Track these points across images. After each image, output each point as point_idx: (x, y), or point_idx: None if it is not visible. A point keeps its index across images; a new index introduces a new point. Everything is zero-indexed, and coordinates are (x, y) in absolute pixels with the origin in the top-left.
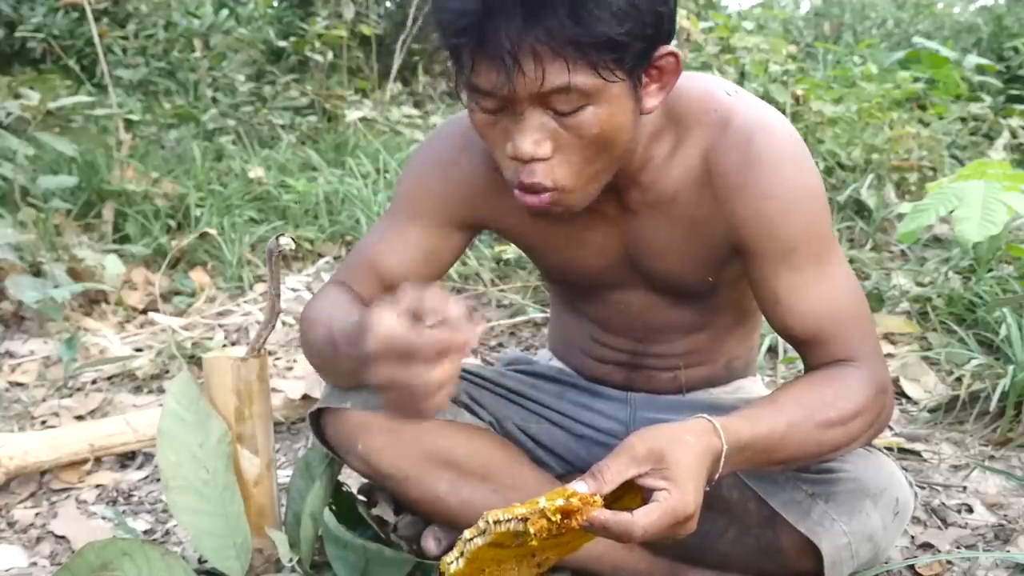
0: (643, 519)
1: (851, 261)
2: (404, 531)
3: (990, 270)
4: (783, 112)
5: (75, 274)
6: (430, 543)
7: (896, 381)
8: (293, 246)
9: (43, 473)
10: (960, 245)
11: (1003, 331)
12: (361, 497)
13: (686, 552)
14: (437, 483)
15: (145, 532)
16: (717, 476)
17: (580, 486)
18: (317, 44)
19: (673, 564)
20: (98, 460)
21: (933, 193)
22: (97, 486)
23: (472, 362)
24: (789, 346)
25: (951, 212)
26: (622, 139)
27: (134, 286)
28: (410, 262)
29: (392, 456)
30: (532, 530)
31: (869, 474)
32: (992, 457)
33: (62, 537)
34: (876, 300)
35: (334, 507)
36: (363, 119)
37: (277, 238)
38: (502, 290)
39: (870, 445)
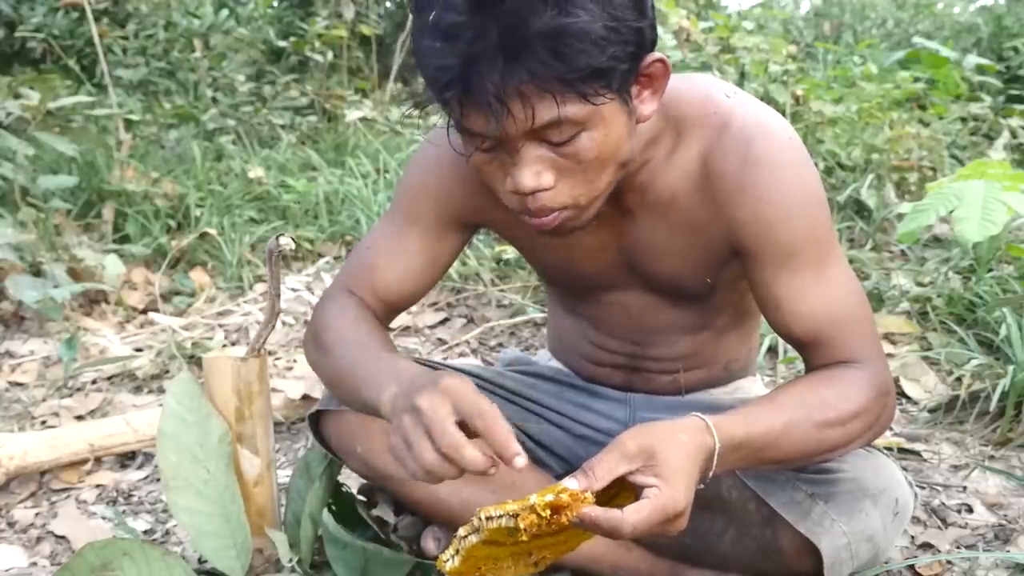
0: (633, 515)
1: (851, 261)
2: (404, 531)
3: (990, 270)
4: (783, 112)
5: (75, 274)
6: (430, 543)
7: (896, 381)
8: (293, 246)
9: (43, 473)
10: (960, 245)
11: (1003, 331)
12: (361, 497)
13: (686, 552)
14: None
15: (145, 532)
16: (711, 474)
17: (571, 483)
18: (317, 44)
19: (673, 564)
20: (98, 460)
21: (933, 193)
22: (97, 486)
23: (472, 362)
24: (789, 346)
25: (951, 212)
26: (622, 152)
27: (134, 286)
28: (410, 266)
29: (392, 457)
30: (523, 525)
31: (869, 474)
32: (992, 457)
33: (62, 537)
34: (876, 300)
35: (334, 507)
36: (363, 119)
37: (277, 238)
38: (502, 290)
39: (870, 445)
